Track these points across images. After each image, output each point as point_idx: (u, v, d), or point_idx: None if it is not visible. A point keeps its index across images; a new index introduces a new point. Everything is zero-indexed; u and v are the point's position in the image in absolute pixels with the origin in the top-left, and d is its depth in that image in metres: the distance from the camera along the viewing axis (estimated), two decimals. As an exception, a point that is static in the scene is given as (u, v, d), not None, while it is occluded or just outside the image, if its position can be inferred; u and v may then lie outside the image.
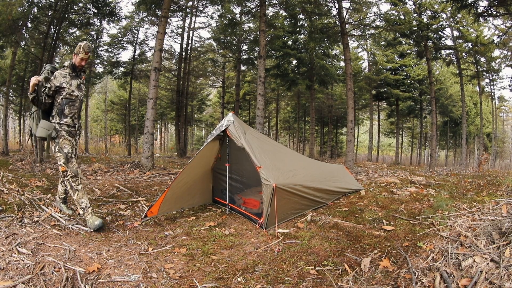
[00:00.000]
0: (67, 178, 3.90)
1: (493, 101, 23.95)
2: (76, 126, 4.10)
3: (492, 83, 22.82)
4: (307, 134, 30.18)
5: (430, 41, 15.47)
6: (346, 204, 5.11)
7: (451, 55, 17.56)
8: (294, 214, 4.48)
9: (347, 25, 12.11)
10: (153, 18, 16.88)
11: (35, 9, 10.13)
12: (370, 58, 24.09)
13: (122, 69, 18.70)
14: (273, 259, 3.22)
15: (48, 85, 3.84)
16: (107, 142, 27.51)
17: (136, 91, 25.83)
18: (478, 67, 19.31)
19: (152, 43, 18.75)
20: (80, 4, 11.49)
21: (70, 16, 11.84)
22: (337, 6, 11.80)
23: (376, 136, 28.45)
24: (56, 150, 3.90)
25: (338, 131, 30.81)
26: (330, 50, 19.83)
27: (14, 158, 10.09)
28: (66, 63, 4.10)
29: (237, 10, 15.68)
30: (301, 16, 14.79)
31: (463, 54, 17.66)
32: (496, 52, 18.63)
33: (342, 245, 3.52)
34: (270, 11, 14.26)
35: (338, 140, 31.22)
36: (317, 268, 2.99)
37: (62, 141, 3.91)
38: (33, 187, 5.40)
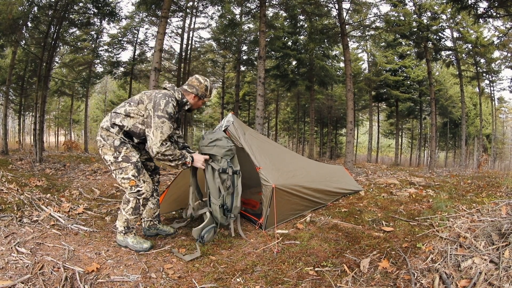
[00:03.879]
0: (139, 197, 3.28)
1: (493, 102, 24.02)
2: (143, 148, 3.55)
3: (491, 84, 22.88)
4: (306, 135, 30.21)
5: (430, 42, 15.51)
6: (345, 205, 5.11)
7: (451, 56, 17.60)
8: (294, 215, 4.48)
9: (347, 26, 12.12)
10: (153, 18, 16.91)
11: (35, 8, 10.12)
12: (370, 59, 24.16)
13: (122, 69, 18.74)
14: (272, 260, 3.22)
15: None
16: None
17: (136, 91, 25.73)
18: (478, 68, 19.36)
19: (152, 43, 18.78)
20: (80, 4, 11.48)
21: (70, 16, 11.82)
22: (337, 7, 11.80)
23: (375, 137, 28.51)
24: (120, 160, 3.20)
25: (337, 132, 30.82)
26: (330, 51, 19.86)
27: (13, 158, 10.09)
28: (176, 94, 3.35)
29: (237, 10, 15.74)
30: (301, 17, 14.81)
31: (463, 55, 17.70)
32: (496, 54, 18.73)
33: (341, 246, 3.51)
34: (270, 12, 14.30)
35: (337, 141, 31.23)
36: (316, 269, 2.99)
37: (126, 149, 3.22)
38: (32, 187, 5.39)
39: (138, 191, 3.24)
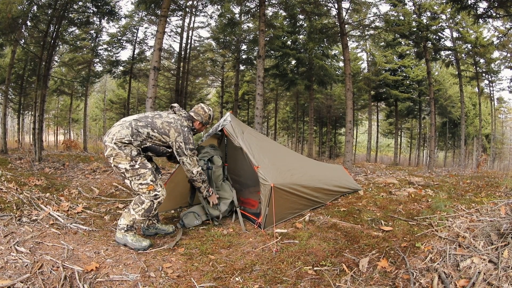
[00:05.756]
0: (155, 200, 3.46)
1: (492, 103, 23.99)
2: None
3: (491, 85, 22.88)
4: (305, 134, 30.20)
5: (430, 42, 15.49)
6: (344, 204, 5.11)
7: (450, 56, 17.59)
8: (292, 214, 4.48)
9: (346, 26, 12.10)
10: (152, 17, 16.87)
11: (35, 7, 10.09)
12: (369, 59, 24.12)
13: (121, 68, 18.68)
14: (271, 259, 3.22)
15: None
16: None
17: (135, 90, 25.76)
18: (478, 68, 19.35)
19: (151, 42, 18.75)
20: (80, 3, 11.45)
21: (70, 15, 11.79)
22: (336, 6, 11.79)
23: (374, 136, 28.49)
24: (138, 167, 3.37)
25: (336, 132, 30.81)
26: (329, 51, 19.83)
27: (12, 157, 10.07)
28: (190, 123, 3.85)
29: (236, 9, 15.71)
30: (301, 16, 14.79)
31: (463, 55, 17.68)
32: (496, 54, 18.70)
33: (340, 245, 3.52)
34: (269, 11, 14.27)
35: (336, 140, 31.22)
36: (315, 268, 2.99)
37: (142, 158, 3.45)
38: (31, 186, 5.39)
39: (156, 195, 3.44)
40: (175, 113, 3.82)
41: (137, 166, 3.35)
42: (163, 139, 3.58)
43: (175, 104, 3.90)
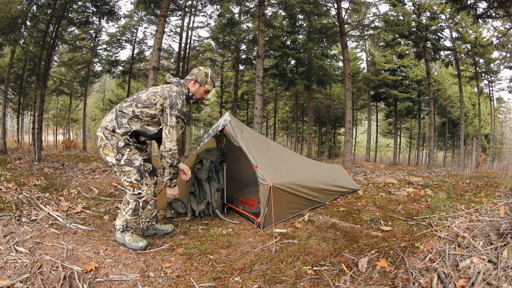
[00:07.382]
0: (139, 199, 3.32)
1: (492, 103, 24.03)
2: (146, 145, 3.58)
3: (490, 85, 22.91)
4: (305, 134, 30.20)
5: (429, 42, 15.52)
6: (343, 204, 5.11)
7: (450, 56, 17.61)
8: (292, 214, 4.48)
9: (346, 26, 12.10)
10: (152, 17, 16.85)
11: (34, 7, 10.10)
12: (368, 59, 24.14)
13: (120, 68, 18.67)
14: (270, 259, 3.22)
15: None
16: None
17: (134, 90, 25.64)
18: (477, 68, 19.39)
19: (150, 42, 18.76)
20: (79, 3, 11.45)
21: (69, 15, 11.80)
22: (336, 6, 11.79)
23: (374, 136, 28.51)
24: (123, 164, 3.19)
25: (336, 131, 30.82)
26: (329, 50, 19.86)
27: (12, 157, 10.07)
28: (184, 90, 3.37)
29: (236, 9, 15.69)
30: (300, 16, 14.79)
31: (462, 55, 17.71)
32: (495, 54, 18.75)
33: (340, 245, 3.52)
34: (269, 11, 14.27)
35: (336, 140, 31.23)
36: (314, 268, 2.99)
37: (129, 152, 3.22)
38: (31, 186, 5.38)
39: (139, 193, 3.29)
40: (167, 83, 3.47)
41: (122, 163, 3.17)
42: (151, 111, 3.19)
43: (168, 75, 3.57)
